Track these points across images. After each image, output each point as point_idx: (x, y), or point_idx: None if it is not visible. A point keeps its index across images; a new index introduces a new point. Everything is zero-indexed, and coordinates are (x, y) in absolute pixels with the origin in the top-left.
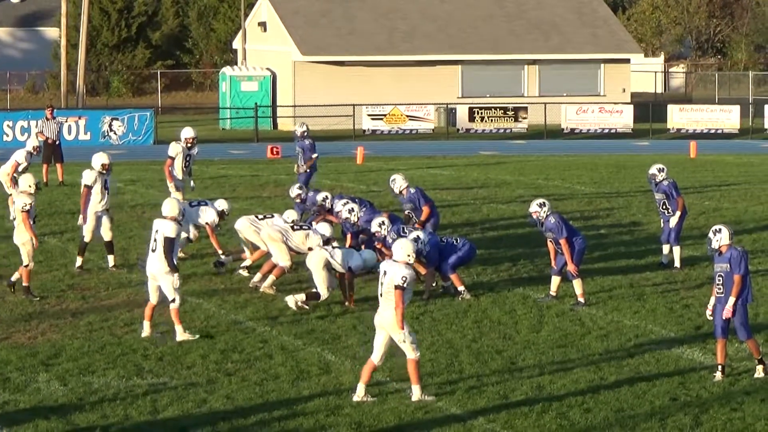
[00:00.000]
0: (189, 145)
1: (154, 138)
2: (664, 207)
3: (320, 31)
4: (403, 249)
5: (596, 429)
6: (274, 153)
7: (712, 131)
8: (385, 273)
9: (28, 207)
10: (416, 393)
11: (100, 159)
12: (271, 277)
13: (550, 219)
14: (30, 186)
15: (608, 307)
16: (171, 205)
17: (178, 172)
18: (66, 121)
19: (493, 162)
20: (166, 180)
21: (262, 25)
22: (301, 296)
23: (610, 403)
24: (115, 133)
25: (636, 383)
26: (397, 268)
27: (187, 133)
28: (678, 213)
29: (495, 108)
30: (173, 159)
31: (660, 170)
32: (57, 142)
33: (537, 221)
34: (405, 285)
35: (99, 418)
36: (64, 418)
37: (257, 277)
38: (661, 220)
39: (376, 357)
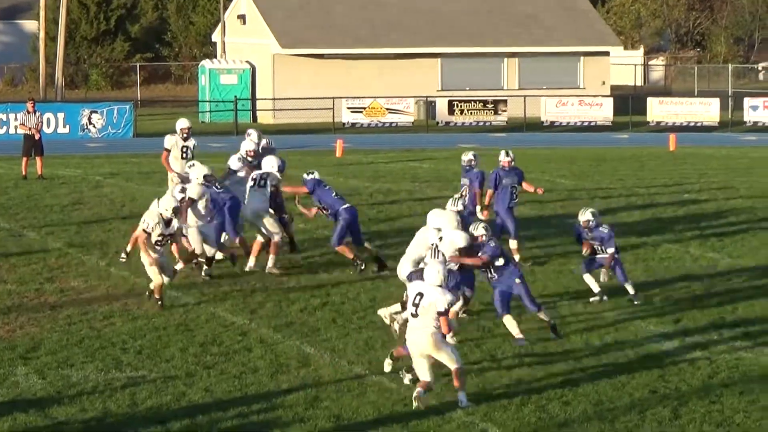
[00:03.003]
0: (185, 135)
1: (134, 131)
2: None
3: (300, 24)
4: (436, 274)
5: (575, 422)
6: None
7: (692, 124)
8: (420, 296)
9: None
10: (462, 400)
11: None
12: (271, 257)
13: (602, 229)
14: (167, 210)
15: (588, 300)
16: None
17: (176, 165)
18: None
19: None
20: (168, 171)
21: (242, 17)
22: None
23: (589, 395)
24: (94, 126)
25: (615, 376)
26: (438, 294)
27: (182, 123)
28: (478, 206)
29: (474, 101)
30: (169, 151)
31: (475, 156)
32: (38, 136)
33: (585, 231)
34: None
35: (77, 412)
36: (43, 411)
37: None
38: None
39: (429, 379)
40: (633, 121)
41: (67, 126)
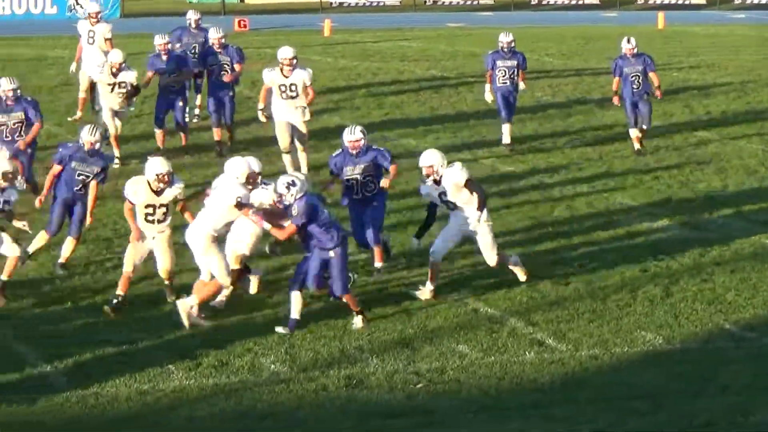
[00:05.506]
0: (289, 67)
1: (121, 11)
2: (512, 75)
3: None
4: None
5: (567, 300)
6: (242, 26)
7: (680, 2)
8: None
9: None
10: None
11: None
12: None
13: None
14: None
15: (577, 179)
16: None
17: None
18: None
19: (461, 34)
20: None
21: None
22: None
23: (580, 274)
24: (81, 6)
25: (606, 254)
26: (229, 186)
27: (285, 53)
28: (522, 84)
29: None
30: (269, 88)
31: (512, 40)
32: None
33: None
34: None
35: None
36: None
37: None
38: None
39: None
40: (621, 0)
41: (55, 7)
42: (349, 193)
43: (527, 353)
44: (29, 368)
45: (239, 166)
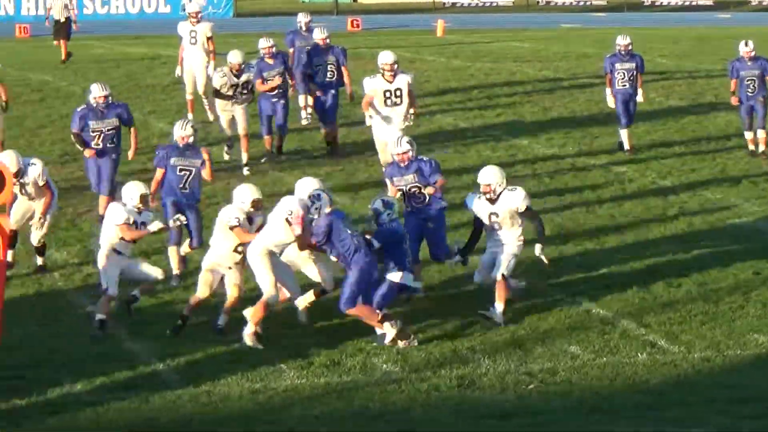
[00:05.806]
0: (390, 72)
1: (234, 11)
2: (630, 78)
3: None
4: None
5: (679, 302)
6: (355, 26)
7: None
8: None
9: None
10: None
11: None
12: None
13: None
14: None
15: (691, 181)
16: None
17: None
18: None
19: (574, 35)
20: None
21: None
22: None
23: (693, 276)
24: None
25: (719, 257)
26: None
27: (386, 57)
28: (641, 91)
29: None
30: (371, 99)
31: (629, 43)
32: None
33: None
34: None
35: None
36: None
37: None
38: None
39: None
40: (735, 1)
41: (168, 6)
42: (404, 203)
43: (639, 355)
44: (142, 366)
45: (312, 187)
